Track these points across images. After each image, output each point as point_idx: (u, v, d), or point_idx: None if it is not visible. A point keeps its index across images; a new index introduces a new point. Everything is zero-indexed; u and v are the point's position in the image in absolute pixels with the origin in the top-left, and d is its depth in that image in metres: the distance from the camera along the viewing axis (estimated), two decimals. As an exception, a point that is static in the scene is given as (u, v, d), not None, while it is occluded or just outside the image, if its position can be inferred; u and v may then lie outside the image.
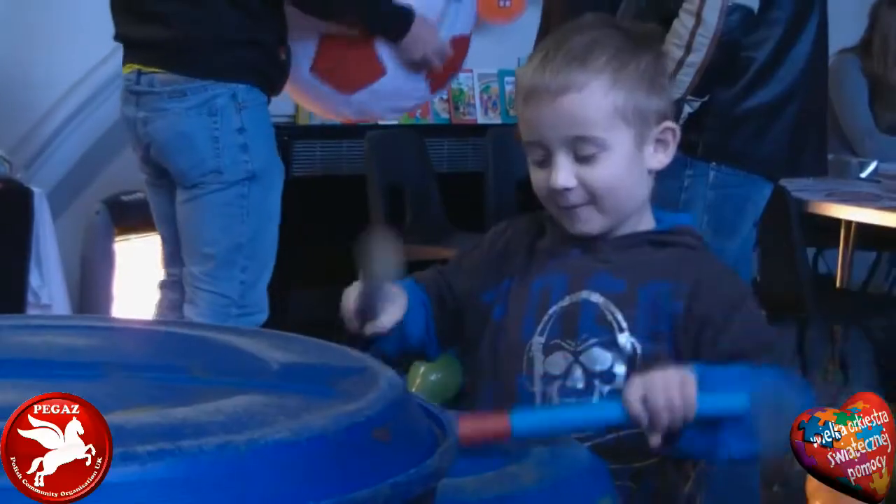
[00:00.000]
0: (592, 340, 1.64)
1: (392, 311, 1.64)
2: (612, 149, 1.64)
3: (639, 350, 1.63)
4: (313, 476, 0.95)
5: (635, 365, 1.62)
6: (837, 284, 4.39)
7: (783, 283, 3.79)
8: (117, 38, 3.16)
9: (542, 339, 1.66)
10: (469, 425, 1.42)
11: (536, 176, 1.69)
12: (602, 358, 1.63)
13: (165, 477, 0.89)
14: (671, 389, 1.46)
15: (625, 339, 1.63)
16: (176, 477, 0.89)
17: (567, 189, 1.64)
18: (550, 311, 1.67)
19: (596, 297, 1.65)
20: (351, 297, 1.63)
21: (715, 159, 2.68)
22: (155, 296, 3.35)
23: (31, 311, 3.99)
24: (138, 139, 3.09)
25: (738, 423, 1.48)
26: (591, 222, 1.67)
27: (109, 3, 3.14)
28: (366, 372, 1.14)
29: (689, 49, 2.56)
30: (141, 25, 3.05)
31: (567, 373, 1.65)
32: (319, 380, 1.10)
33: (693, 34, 2.56)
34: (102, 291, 4.48)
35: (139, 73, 3.04)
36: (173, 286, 3.25)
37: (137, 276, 4.34)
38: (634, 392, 1.47)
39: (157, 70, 3.01)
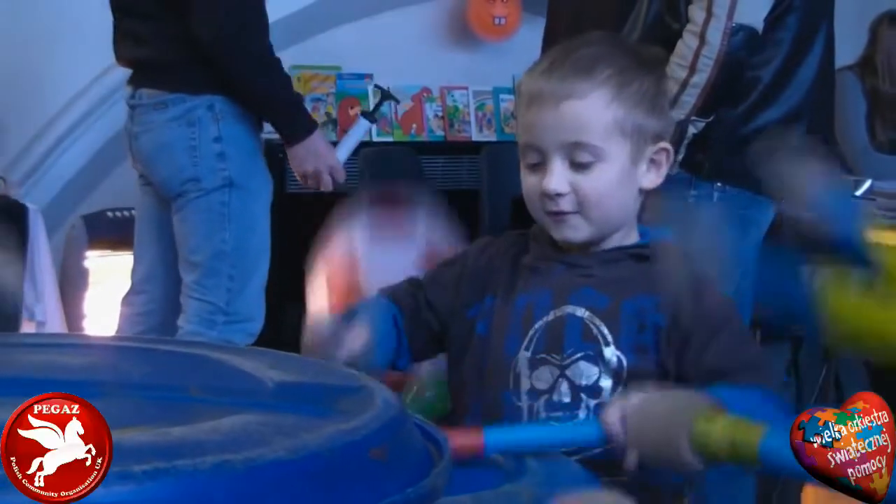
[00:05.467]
0: (578, 354, 1.64)
1: (360, 335, 1.64)
2: (607, 159, 1.65)
3: (624, 363, 1.63)
4: (310, 495, 0.95)
5: (621, 378, 1.62)
6: (832, 303, 4.37)
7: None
8: (117, 59, 3.29)
9: (528, 354, 1.66)
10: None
11: (528, 180, 1.70)
12: (588, 371, 1.64)
13: (161, 496, 0.89)
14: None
15: (610, 352, 1.63)
16: (172, 496, 0.89)
17: (559, 194, 1.65)
18: (536, 326, 1.67)
19: (580, 312, 1.66)
20: (315, 330, 1.64)
21: (720, 180, 2.66)
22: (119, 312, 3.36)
23: (25, 328, 3.99)
24: (132, 153, 3.22)
25: None
26: (576, 229, 1.68)
27: (112, 28, 3.27)
28: (362, 391, 1.14)
29: (693, 70, 2.54)
30: (131, 47, 3.19)
31: (553, 387, 1.65)
32: (316, 399, 1.10)
33: (697, 55, 2.54)
34: (73, 307, 4.47)
35: (134, 88, 3.18)
36: (133, 301, 3.28)
37: (111, 293, 4.32)
38: (613, 412, 1.47)
39: (145, 86, 3.15)
